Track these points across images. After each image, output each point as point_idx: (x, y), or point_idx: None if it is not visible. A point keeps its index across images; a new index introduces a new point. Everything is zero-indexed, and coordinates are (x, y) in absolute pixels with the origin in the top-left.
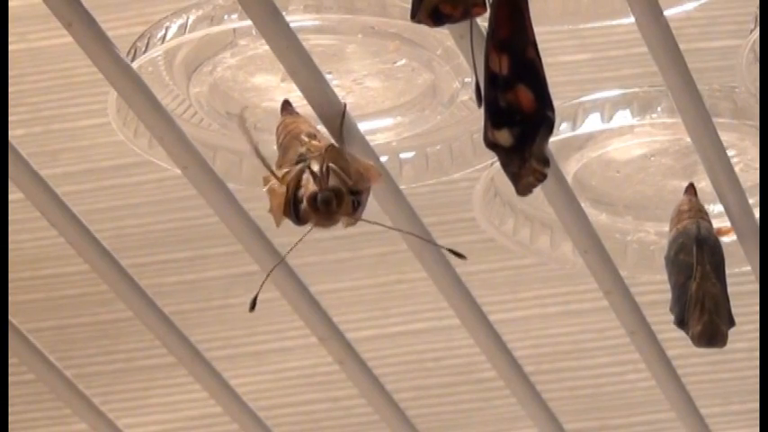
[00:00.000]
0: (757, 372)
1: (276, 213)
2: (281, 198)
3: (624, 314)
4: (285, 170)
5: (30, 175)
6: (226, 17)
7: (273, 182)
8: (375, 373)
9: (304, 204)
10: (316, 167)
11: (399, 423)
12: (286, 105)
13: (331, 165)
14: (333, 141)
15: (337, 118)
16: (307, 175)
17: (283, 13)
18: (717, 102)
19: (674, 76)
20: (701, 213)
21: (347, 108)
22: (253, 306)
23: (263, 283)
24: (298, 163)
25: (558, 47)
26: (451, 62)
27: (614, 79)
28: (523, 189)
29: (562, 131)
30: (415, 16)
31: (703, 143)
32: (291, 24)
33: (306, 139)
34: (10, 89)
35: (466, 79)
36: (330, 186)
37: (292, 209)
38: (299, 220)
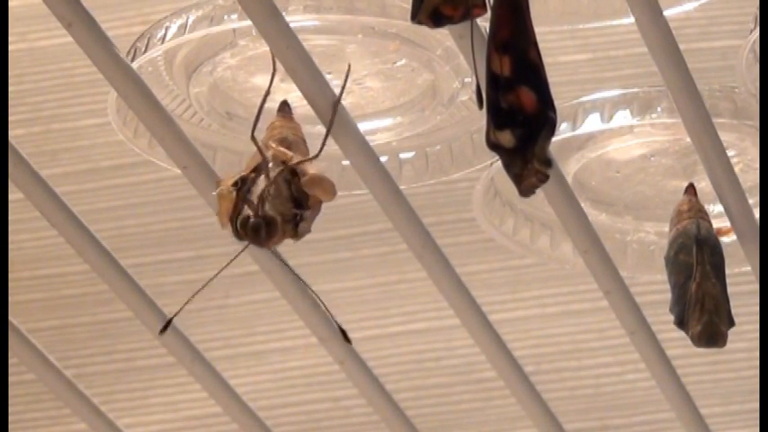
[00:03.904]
0: (757, 372)
1: (222, 218)
2: (228, 204)
3: (624, 314)
4: (237, 177)
5: (30, 175)
6: (226, 17)
7: (222, 187)
8: (375, 373)
9: (239, 226)
10: (260, 186)
11: (399, 423)
12: (283, 107)
13: (278, 184)
14: (304, 153)
15: (335, 117)
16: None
17: (283, 14)
18: (717, 102)
19: (674, 76)
20: (700, 213)
21: (345, 108)
22: (165, 327)
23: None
24: (253, 171)
25: (558, 47)
26: (451, 62)
27: (614, 79)
28: (526, 190)
29: (562, 131)
30: (416, 17)
31: (703, 143)
32: (291, 25)
33: (273, 145)
34: (10, 89)
35: (466, 79)
36: (263, 214)
37: (234, 223)
38: (239, 237)
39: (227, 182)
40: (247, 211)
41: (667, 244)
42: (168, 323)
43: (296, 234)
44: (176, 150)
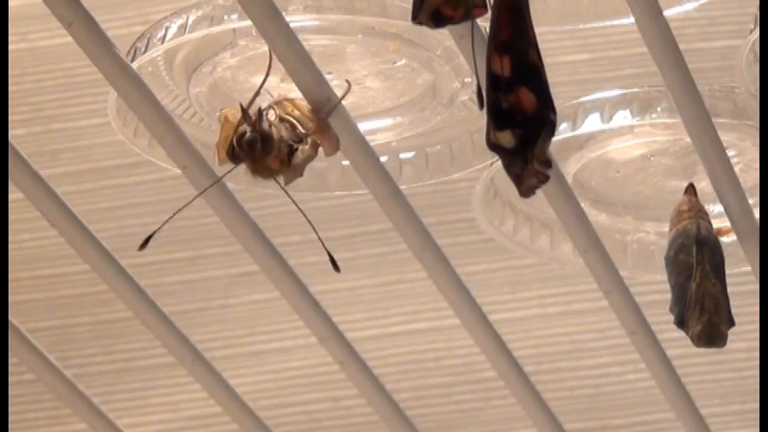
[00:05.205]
0: (757, 372)
1: (220, 148)
2: (229, 131)
3: (624, 314)
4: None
5: (30, 175)
6: (226, 17)
7: (227, 110)
8: (375, 373)
9: (235, 142)
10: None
11: (399, 423)
12: None
13: (278, 111)
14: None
15: (336, 117)
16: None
17: (283, 14)
18: (717, 102)
19: (674, 76)
20: (700, 213)
21: (345, 108)
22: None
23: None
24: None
25: (558, 47)
26: (451, 62)
27: (614, 79)
28: (526, 191)
29: (562, 131)
30: (416, 18)
31: (703, 143)
32: (291, 25)
33: (277, 96)
34: (10, 89)
35: (466, 79)
36: (259, 129)
37: (231, 147)
38: (234, 158)
39: (232, 110)
40: (246, 128)
41: (667, 244)
42: (148, 239)
43: (289, 163)
44: (176, 150)
